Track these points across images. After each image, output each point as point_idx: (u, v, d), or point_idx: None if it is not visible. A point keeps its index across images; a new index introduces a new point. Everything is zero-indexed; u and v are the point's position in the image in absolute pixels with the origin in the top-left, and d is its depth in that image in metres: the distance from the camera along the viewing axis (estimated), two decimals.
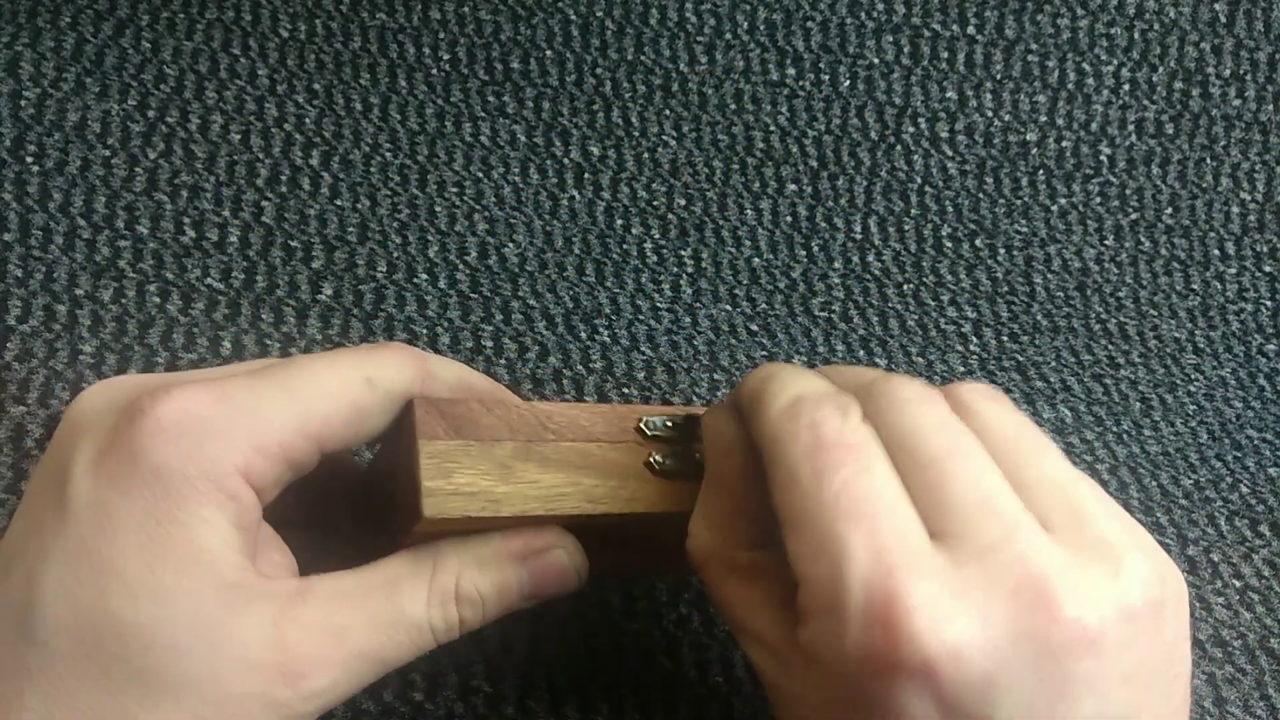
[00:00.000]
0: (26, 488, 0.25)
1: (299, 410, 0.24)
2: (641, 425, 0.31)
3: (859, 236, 0.57)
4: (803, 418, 0.24)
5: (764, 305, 0.52)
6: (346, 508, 0.31)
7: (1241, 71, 0.61)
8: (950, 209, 0.59)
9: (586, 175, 0.56)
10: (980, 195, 0.59)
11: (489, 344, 0.48)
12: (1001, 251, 0.58)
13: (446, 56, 0.58)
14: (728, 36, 0.59)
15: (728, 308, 0.52)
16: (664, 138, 0.58)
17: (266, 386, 0.24)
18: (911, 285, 0.55)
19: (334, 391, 0.25)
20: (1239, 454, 0.50)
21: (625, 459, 0.30)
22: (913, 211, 0.58)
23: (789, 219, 0.57)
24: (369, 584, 0.25)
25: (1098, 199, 0.60)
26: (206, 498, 0.23)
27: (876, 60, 0.59)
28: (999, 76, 0.60)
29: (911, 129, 0.59)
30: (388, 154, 0.54)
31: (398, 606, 0.24)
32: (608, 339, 0.49)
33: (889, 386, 0.25)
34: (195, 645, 0.22)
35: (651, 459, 0.30)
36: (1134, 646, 0.22)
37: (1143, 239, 0.60)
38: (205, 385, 0.23)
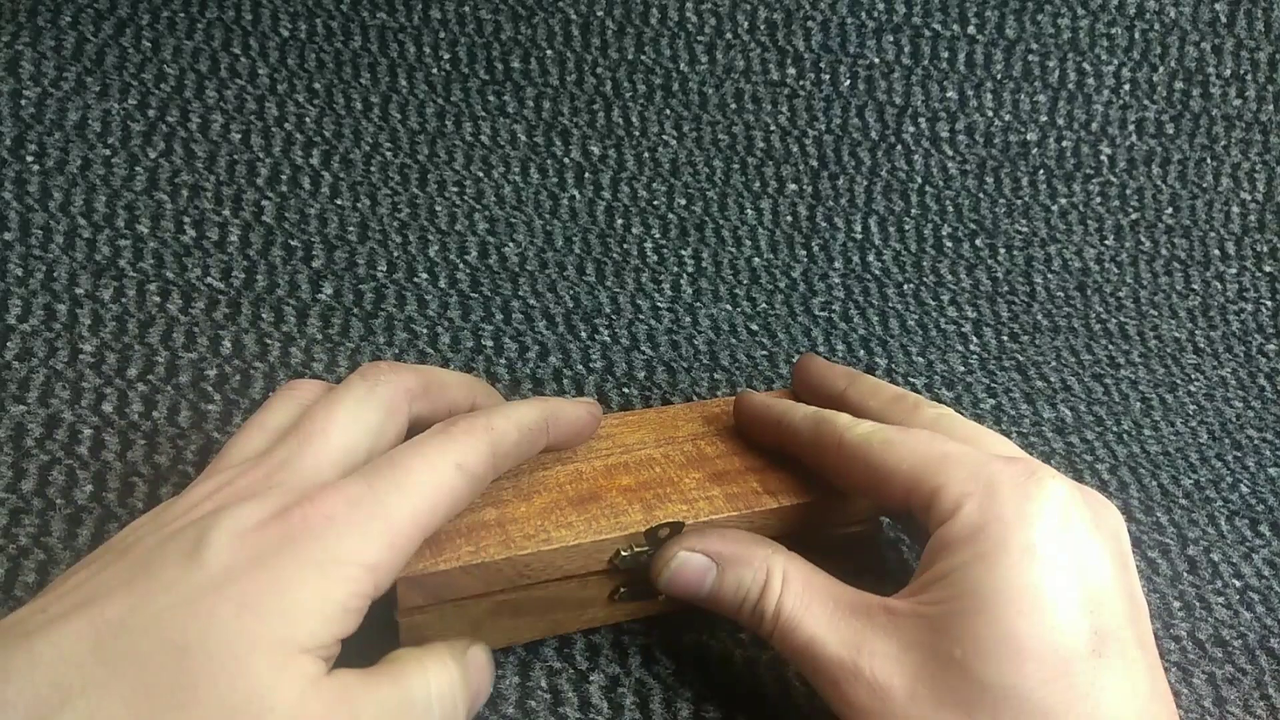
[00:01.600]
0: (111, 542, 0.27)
1: (413, 508, 0.27)
2: (616, 563, 0.33)
3: (859, 236, 0.57)
4: (874, 424, 0.34)
5: (764, 305, 0.52)
6: None
7: (1242, 71, 0.61)
8: (950, 209, 0.59)
9: (587, 175, 0.56)
10: (980, 195, 0.59)
11: (489, 343, 0.47)
12: (1002, 251, 0.58)
13: (447, 56, 0.58)
14: (728, 36, 0.59)
15: (728, 307, 0.52)
16: (664, 137, 0.58)
17: (385, 488, 0.27)
18: (912, 285, 0.55)
19: (436, 484, 0.28)
20: (1239, 454, 0.50)
21: (593, 593, 0.34)
22: (913, 211, 0.58)
23: (789, 219, 0.57)
24: (391, 679, 0.27)
25: (1098, 199, 0.60)
26: (332, 581, 0.25)
27: (877, 60, 0.59)
28: (999, 76, 0.60)
29: (912, 129, 0.59)
30: (388, 153, 0.54)
31: (409, 695, 0.27)
32: (608, 338, 0.49)
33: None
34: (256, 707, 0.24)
35: (618, 593, 0.34)
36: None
37: (1143, 239, 0.60)
38: (339, 490, 0.27)
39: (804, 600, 0.31)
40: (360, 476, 0.27)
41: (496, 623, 0.33)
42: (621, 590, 0.34)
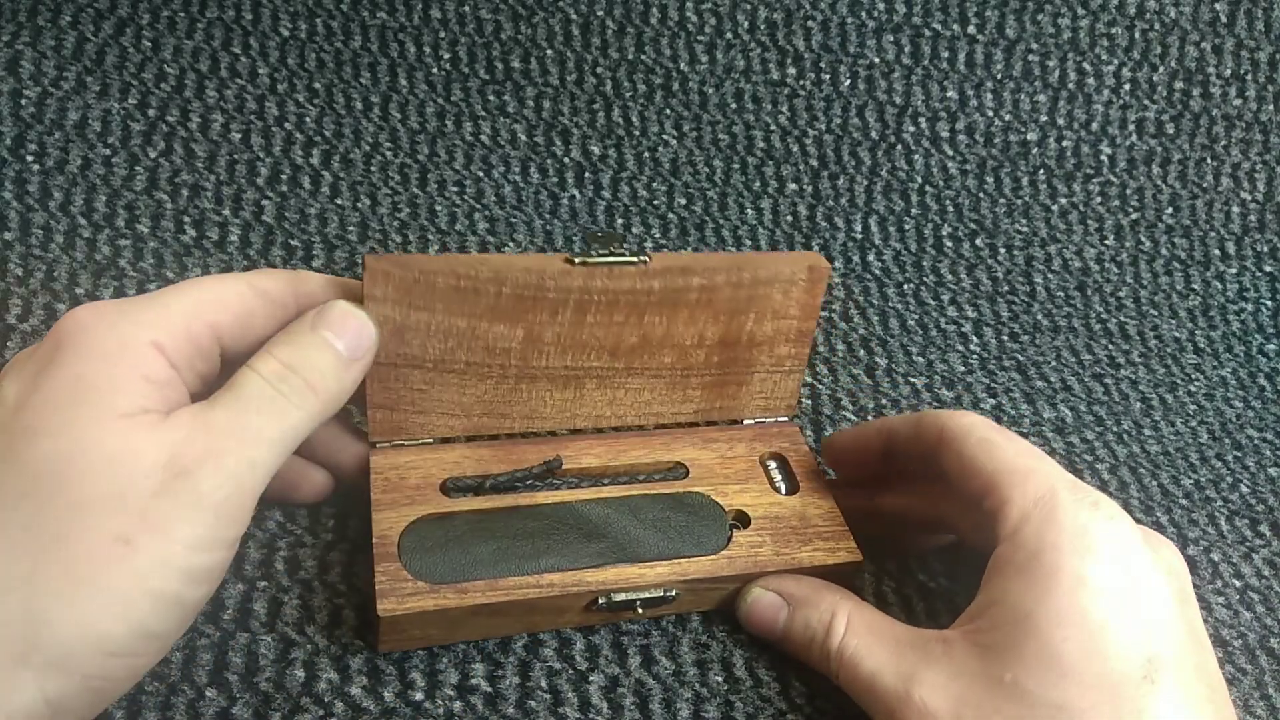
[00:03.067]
0: None
1: (193, 301, 0.29)
2: (600, 603, 0.34)
3: (859, 236, 0.57)
4: (975, 414, 0.35)
5: None
6: None
7: (1242, 71, 0.61)
8: (951, 208, 0.59)
9: (587, 174, 0.56)
10: (980, 195, 0.59)
11: None
12: (1002, 251, 0.58)
13: (447, 55, 0.58)
14: (728, 36, 0.59)
15: None
16: (664, 137, 0.58)
17: (165, 291, 0.30)
18: (912, 284, 0.55)
19: (221, 290, 0.30)
20: (1239, 454, 0.50)
21: (573, 604, 0.34)
22: (913, 211, 0.58)
23: (789, 218, 0.57)
24: (222, 393, 0.29)
25: (1098, 198, 0.60)
26: (117, 361, 0.27)
27: (877, 60, 0.59)
28: (999, 76, 0.60)
29: (912, 128, 0.59)
30: (388, 153, 0.54)
31: (244, 397, 0.29)
32: None
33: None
34: (98, 463, 0.26)
35: (597, 603, 0.34)
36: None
37: (1143, 239, 0.60)
38: (109, 302, 0.29)
39: (866, 641, 0.33)
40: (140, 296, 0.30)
41: (475, 621, 0.33)
42: (599, 601, 0.34)
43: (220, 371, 0.31)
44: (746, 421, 0.41)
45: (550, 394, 0.38)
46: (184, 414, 0.27)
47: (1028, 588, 0.30)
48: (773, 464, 0.40)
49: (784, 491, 0.39)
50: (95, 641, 0.25)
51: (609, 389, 0.39)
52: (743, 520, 0.37)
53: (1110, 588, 0.29)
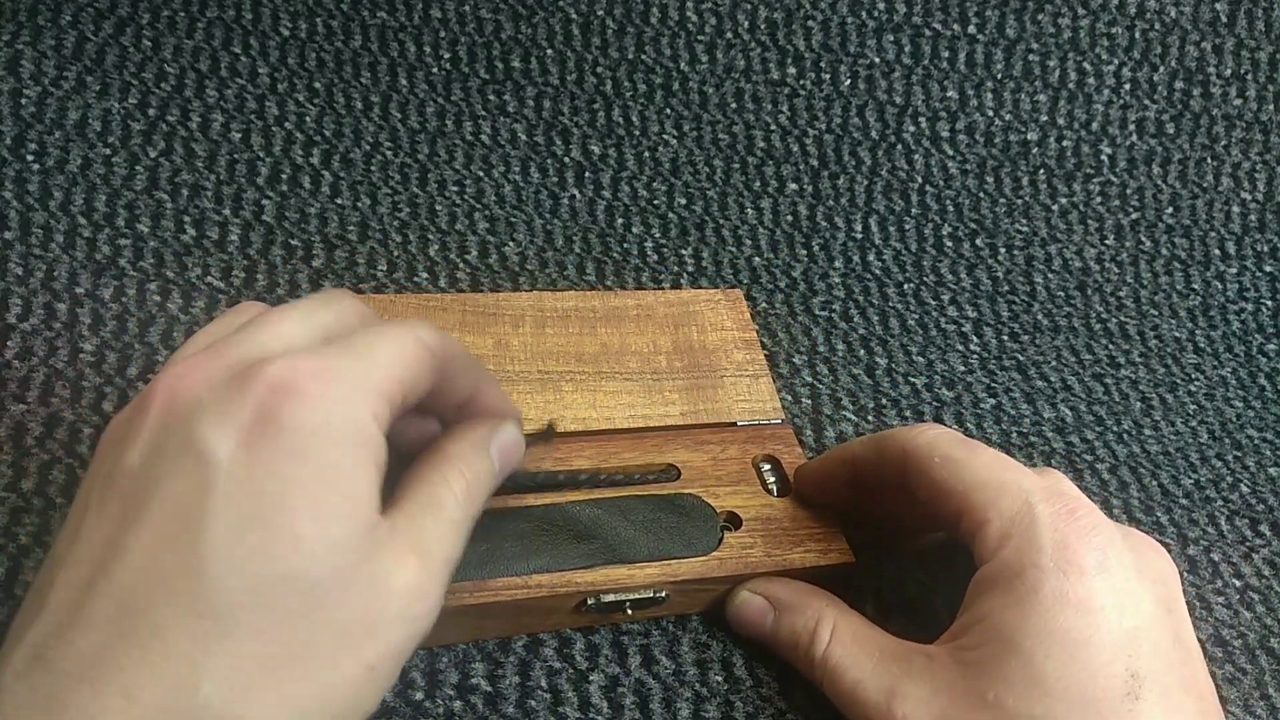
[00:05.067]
0: (95, 479, 0.25)
1: (386, 362, 0.27)
2: (587, 605, 0.35)
3: (859, 235, 0.57)
4: (938, 429, 0.34)
5: (764, 304, 0.52)
6: None
7: (1242, 71, 0.61)
8: (951, 208, 0.59)
9: (587, 174, 0.56)
10: (981, 194, 0.59)
11: None
12: (1002, 251, 0.58)
13: (447, 55, 0.58)
14: (728, 35, 0.59)
15: None
16: (665, 136, 0.58)
17: (359, 346, 0.26)
18: (912, 284, 0.55)
19: (403, 346, 0.27)
20: (1239, 454, 0.50)
21: (563, 605, 0.35)
22: (913, 210, 0.58)
23: (789, 218, 0.57)
24: (419, 503, 0.28)
25: (1098, 198, 0.60)
26: (359, 448, 0.25)
27: (877, 59, 0.59)
28: (1000, 76, 0.60)
29: (912, 128, 0.59)
30: (388, 152, 0.54)
31: (444, 511, 0.28)
32: None
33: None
34: (355, 586, 0.24)
35: (587, 604, 0.34)
36: None
37: (1143, 238, 0.60)
38: (305, 354, 0.25)
39: (850, 650, 0.33)
40: (326, 344, 0.27)
41: (464, 623, 0.34)
42: (589, 602, 0.34)
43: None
44: (740, 424, 0.41)
45: (530, 396, 0.40)
46: (405, 532, 0.26)
47: (1010, 607, 0.29)
48: (765, 466, 0.40)
49: (776, 493, 0.39)
50: None
51: (586, 391, 0.41)
52: (734, 522, 0.37)
53: (1092, 603, 0.29)
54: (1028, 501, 0.31)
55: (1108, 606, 0.29)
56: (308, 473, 0.24)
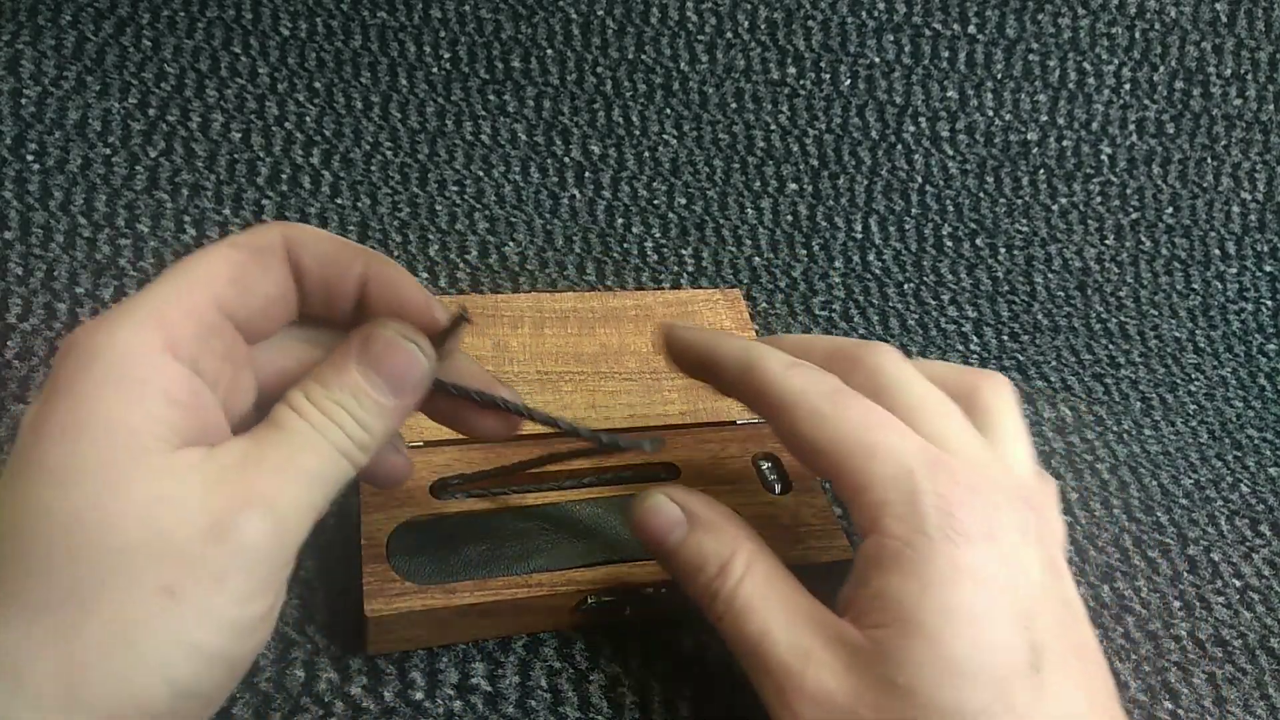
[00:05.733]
0: None
1: (186, 283, 0.26)
2: (587, 604, 0.34)
3: (860, 235, 0.57)
4: (810, 376, 0.31)
5: (764, 304, 0.52)
6: None
7: (1242, 71, 0.61)
8: (951, 208, 0.59)
9: (587, 174, 0.56)
10: (981, 194, 0.59)
11: None
12: (1002, 250, 0.58)
13: (447, 55, 0.58)
14: (728, 35, 0.59)
15: None
16: (665, 136, 0.58)
17: (156, 281, 0.26)
18: (912, 284, 0.55)
19: (211, 262, 0.27)
20: (1239, 453, 0.50)
21: (563, 604, 0.34)
22: (913, 210, 0.58)
23: (789, 218, 0.57)
24: (262, 430, 0.26)
25: (1098, 198, 0.60)
26: (123, 375, 0.24)
27: (877, 59, 0.59)
28: (1000, 76, 0.60)
29: (912, 128, 0.59)
30: (388, 152, 0.54)
31: (289, 434, 0.26)
32: None
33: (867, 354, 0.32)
34: (128, 509, 0.23)
35: (587, 602, 0.34)
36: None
37: (1143, 238, 0.60)
38: (106, 312, 0.26)
39: (763, 593, 0.30)
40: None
41: (464, 622, 0.33)
42: (588, 601, 0.34)
43: (233, 347, 0.28)
44: (740, 422, 0.41)
45: (529, 397, 0.40)
46: (228, 451, 0.25)
47: (905, 581, 0.28)
48: (765, 464, 0.40)
49: (777, 491, 0.39)
50: (136, 703, 0.23)
51: (586, 391, 0.41)
52: None
53: (986, 573, 0.27)
54: (904, 465, 0.28)
55: (1000, 577, 0.28)
56: (64, 406, 0.24)
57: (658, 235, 0.54)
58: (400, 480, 0.32)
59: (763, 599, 0.30)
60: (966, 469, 0.29)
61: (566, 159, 0.56)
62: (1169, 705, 0.37)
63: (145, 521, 0.23)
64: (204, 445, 0.25)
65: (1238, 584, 0.43)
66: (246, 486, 0.24)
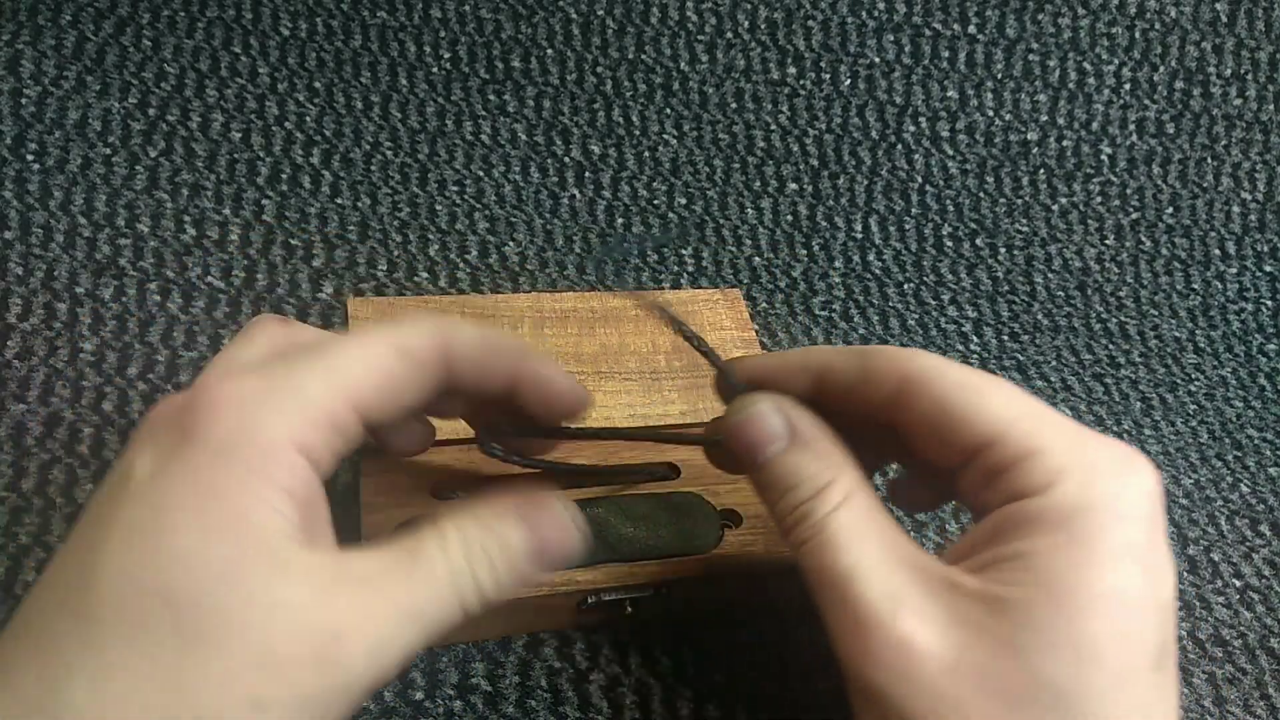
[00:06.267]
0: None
1: (338, 381, 0.25)
2: (588, 603, 0.34)
3: (860, 235, 0.57)
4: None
5: (764, 304, 0.52)
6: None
7: (1242, 71, 0.61)
8: (951, 208, 0.59)
9: (587, 174, 0.56)
10: (981, 194, 0.59)
11: None
12: (1002, 250, 0.58)
13: (447, 55, 0.58)
14: (728, 35, 0.59)
15: None
16: (665, 136, 0.58)
17: (306, 364, 0.25)
18: (912, 284, 0.55)
19: (367, 361, 0.26)
20: (1239, 454, 0.50)
21: (564, 603, 0.34)
22: (913, 210, 0.58)
23: (789, 218, 0.57)
24: (396, 551, 0.25)
25: (1098, 198, 0.60)
26: (259, 470, 0.24)
27: (877, 59, 0.59)
28: (1000, 76, 0.60)
29: (912, 128, 0.59)
30: (388, 152, 0.54)
31: (423, 563, 0.25)
32: None
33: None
34: (244, 610, 0.22)
35: (587, 601, 0.34)
36: None
37: (1143, 238, 0.60)
38: (252, 370, 0.25)
39: (860, 527, 0.27)
40: (278, 359, 0.26)
41: (465, 622, 0.33)
42: (589, 600, 0.34)
43: (352, 443, 0.27)
44: None
45: None
46: (348, 571, 0.24)
47: (1062, 549, 0.25)
48: None
49: None
50: None
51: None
52: (734, 519, 0.37)
53: (1145, 562, 0.26)
54: (1082, 436, 0.27)
55: (1154, 569, 0.26)
56: (200, 489, 0.23)
57: (658, 235, 0.54)
58: (420, 449, 0.32)
59: (859, 532, 0.27)
60: (1136, 453, 0.27)
61: (566, 159, 0.56)
62: None
63: (263, 628, 0.22)
64: (318, 545, 0.25)
65: (1238, 584, 0.43)
66: (357, 610, 0.23)
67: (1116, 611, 0.25)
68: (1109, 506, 0.26)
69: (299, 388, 0.25)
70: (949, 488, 0.30)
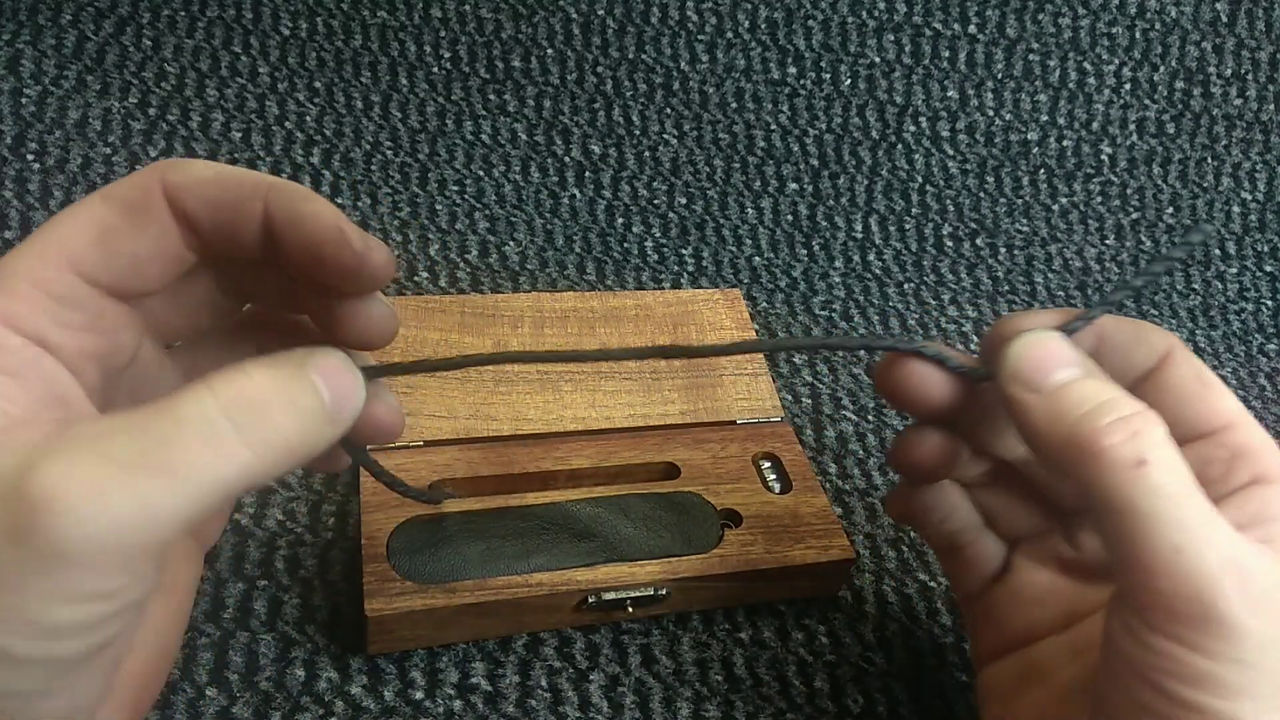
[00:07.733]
0: None
1: (39, 248, 0.24)
2: (587, 603, 0.34)
3: (860, 235, 0.57)
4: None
5: (765, 304, 0.52)
6: None
7: (1242, 71, 0.61)
8: (951, 208, 0.59)
9: (587, 173, 0.56)
10: (981, 194, 0.59)
11: None
12: (1002, 250, 0.58)
13: (447, 54, 0.58)
14: (729, 35, 0.59)
15: None
16: (665, 136, 0.58)
17: (18, 246, 0.24)
18: (912, 284, 0.55)
19: (75, 218, 0.24)
20: None
21: (564, 603, 0.34)
22: (913, 210, 0.58)
23: (790, 217, 0.57)
24: (145, 409, 0.22)
25: (1099, 198, 0.60)
26: None
27: (877, 59, 0.59)
28: (1000, 75, 0.60)
29: (912, 128, 0.59)
30: (388, 152, 0.54)
31: (168, 416, 0.22)
32: None
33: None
34: None
35: (587, 602, 0.34)
36: None
37: (1143, 238, 0.60)
38: None
39: (1180, 475, 0.23)
40: None
41: (464, 621, 0.33)
42: (589, 600, 0.34)
43: (99, 315, 0.25)
44: (740, 422, 0.41)
45: (529, 396, 0.40)
46: (68, 433, 0.21)
47: None
48: (765, 464, 0.40)
49: (777, 490, 0.39)
50: None
51: (586, 391, 0.41)
52: (734, 519, 0.37)
53: None
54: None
55: None
56: None
57: (658, 235, 0.54)
58: (393, 435, 0.28)
59: (1182, 482, 0.23)
60: None
61: (566, 159, 0.56)
62: None
63: None
64: (48, 420, 0.22)
65: None
66: (80, 474, 0.20)
67: None
68: None
69: (3, 265, 0.23)
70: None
